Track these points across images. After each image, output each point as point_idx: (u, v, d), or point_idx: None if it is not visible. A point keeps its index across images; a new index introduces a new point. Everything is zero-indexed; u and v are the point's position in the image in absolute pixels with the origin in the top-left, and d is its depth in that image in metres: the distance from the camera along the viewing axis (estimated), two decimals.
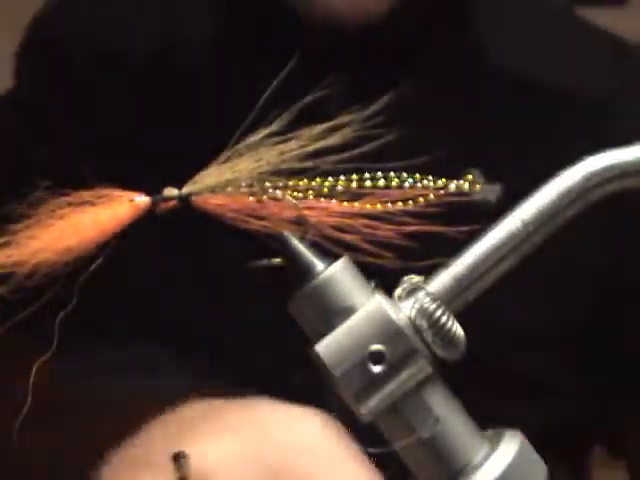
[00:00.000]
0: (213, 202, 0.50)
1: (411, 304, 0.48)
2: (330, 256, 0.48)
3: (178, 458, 0.57)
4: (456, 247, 0.49)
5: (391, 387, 0.47)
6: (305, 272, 0.48)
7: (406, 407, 0.47)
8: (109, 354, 0.80)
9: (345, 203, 0.51)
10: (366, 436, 0.49)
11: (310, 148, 0.50)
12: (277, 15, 0.85)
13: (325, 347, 0.47)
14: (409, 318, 0.47)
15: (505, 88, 0.87)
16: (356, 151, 0.51)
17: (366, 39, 0.84)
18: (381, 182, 0.51)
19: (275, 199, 0.50)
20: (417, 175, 0.51)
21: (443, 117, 0.85)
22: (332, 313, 0.47)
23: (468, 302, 0.49)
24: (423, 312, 0.47)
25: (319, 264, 0.48)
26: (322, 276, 0.48)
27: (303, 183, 0.51)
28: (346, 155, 0.50)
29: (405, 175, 0.51)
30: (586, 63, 0.91)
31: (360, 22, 0.83)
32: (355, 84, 0.78)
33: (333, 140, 0.50)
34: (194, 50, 0.88)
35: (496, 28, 0.90)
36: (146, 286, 0.86)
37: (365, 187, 0.51)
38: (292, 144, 0.50)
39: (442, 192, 0.51)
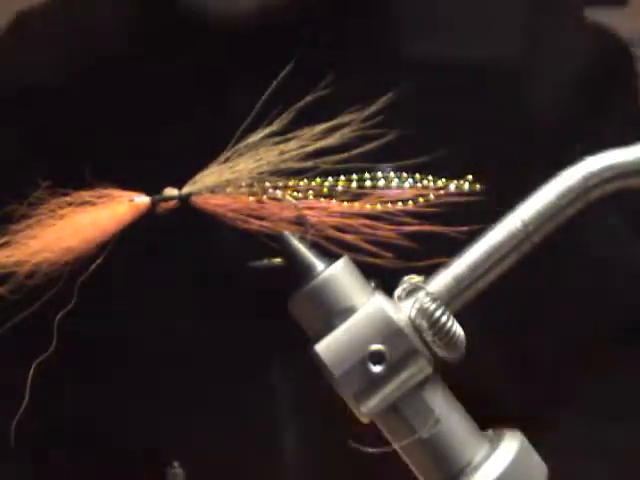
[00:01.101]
0: (213, 202, 0.50)
1: (411, 304, 0.48)
2: (330, 256, 0.48)
3: None
4: (456, 247, 0.49)
5: (391, 387, 0.47)
6: (305, 272, 0.48)
7: (406, 407, 0.47)
8: None
9: (345, 203, 0.51)
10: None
11: (310, 148, 0.50)
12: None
13: (325, 347, 0.47)
14: (409, 318, 0.47)
15: (418, 72, 0.85)
16: (356, 151, 0.51)
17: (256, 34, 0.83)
18: (381, 182, 0.51)
19: (275, 199, 0.50)
20: (417, 175, 0.51)
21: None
22: (332, 313, 0.47)
23: (468, 302, 0.49)
24: (423, 312, 0.47)
25: (319, 264, 0.48)
26: (322, 276, 0.48)
27: (303, 183, 0.51)
28: (346, 155, 0.50)
29: (405, 175, 0.51)
30: (494, 31, 0.88)
31: (231, 18, 0.82)
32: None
33: (333, 140, 0.50)
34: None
35: (403, 13, 0.88)
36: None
37: (365, 187, 0.51)
38: (292, 144, 0.50)
39: (442, 192, 0.51)
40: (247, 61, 0.84)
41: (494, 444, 0.48)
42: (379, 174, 0.51)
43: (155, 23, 0.86)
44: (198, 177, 0.51)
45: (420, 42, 0.87)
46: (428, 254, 0.50)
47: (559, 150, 0.85)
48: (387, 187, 0.51)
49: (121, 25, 0.90)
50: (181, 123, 0.86)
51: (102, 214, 0.49)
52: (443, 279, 0.49)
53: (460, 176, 0.52)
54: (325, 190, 0.51)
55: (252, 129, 0.51)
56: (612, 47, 0.90)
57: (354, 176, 0.51)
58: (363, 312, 0.47)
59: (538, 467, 0.48)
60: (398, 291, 0.49)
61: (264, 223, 0.50)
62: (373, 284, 0.49)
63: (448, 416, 0.48)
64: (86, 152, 0.82)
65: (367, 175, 0.51)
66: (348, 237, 0.50)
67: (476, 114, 0.84)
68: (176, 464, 0.68)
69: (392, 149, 0.51)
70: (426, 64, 0.85)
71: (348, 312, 0.47)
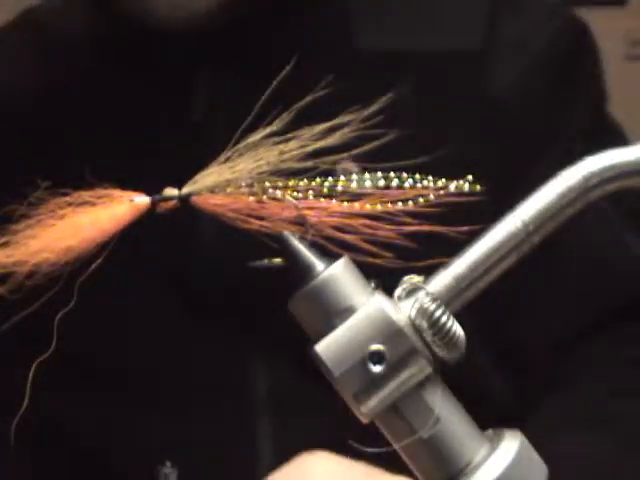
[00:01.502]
0: (213, 202, 0.50)
1: (411, 304, 0.48)
2: (330, 256, 0.48)
3: None
4: (456, 247, 0.49)
5: (391, 387, 0.47)
6: (305, 272, 0.48)
7: (406, 407, 0.47)
8: None
9: (345, 203, 0.51)
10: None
11: (310, 148, 0.50)
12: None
13: (325, 347, 0.47)
14: (409, 318, 0.47)
15: (376, 65, 0.84)
16: (356, 151, 0.51)
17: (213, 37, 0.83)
18: (381, 182, 0.51)
19: (275, 199, 0.50)
20: (417, 175, 0.51)
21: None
22: (332, 313, 0.47)
23: (468, 302, 0.49)
24: (423, 312, 0.47)
25: (319, 264, 0.48)
26: (322, 276, 0.48)
27: (303, 183, 0.51)
28: (346, 155, 0.50)
29: (405, 175, 0.51)
30: (457, 20, 0.88)
31: (187, 22, 0.82)
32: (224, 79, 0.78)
33: (333, 140, 0.50)
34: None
35: (359, 6, 0.88)
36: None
37: (365, 187, 0.51)
38: (292, 144, 0.50)
39: (442, 192, 0.51)
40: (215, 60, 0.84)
41: (494, 444, 0.48)
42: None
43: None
44: (198, 177, 0.51)
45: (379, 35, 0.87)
46: (428, 254, 0.50)
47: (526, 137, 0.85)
48: (387, 187, 0.51)
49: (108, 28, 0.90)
50: (180, 124, 0.86)
51: (102, 214, 0.49)
52: (443, 279, 0.49)
53: (459, 176, 0.52)
54: (325, 190, 0.51)
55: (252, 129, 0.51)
56: (572, 29, 0.90)
57: (354, 176, 0.51)
58: (363, 312, 0.47)
59: (538, 467, 0.48)
60: (398, 291, 0.49)
61: (264, 223, 0.50)
62: (373, 284, 0.49)
63: (448, 416, 0.48)
64: (86, 152, 0.82)
65: (367, 175, 0.51)
66: (348, 237, 0.50)
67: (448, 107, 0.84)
68: (168, 463, 0.68)
69: (390, 148, 0.51)
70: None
71: (348, 312, 0.47)
